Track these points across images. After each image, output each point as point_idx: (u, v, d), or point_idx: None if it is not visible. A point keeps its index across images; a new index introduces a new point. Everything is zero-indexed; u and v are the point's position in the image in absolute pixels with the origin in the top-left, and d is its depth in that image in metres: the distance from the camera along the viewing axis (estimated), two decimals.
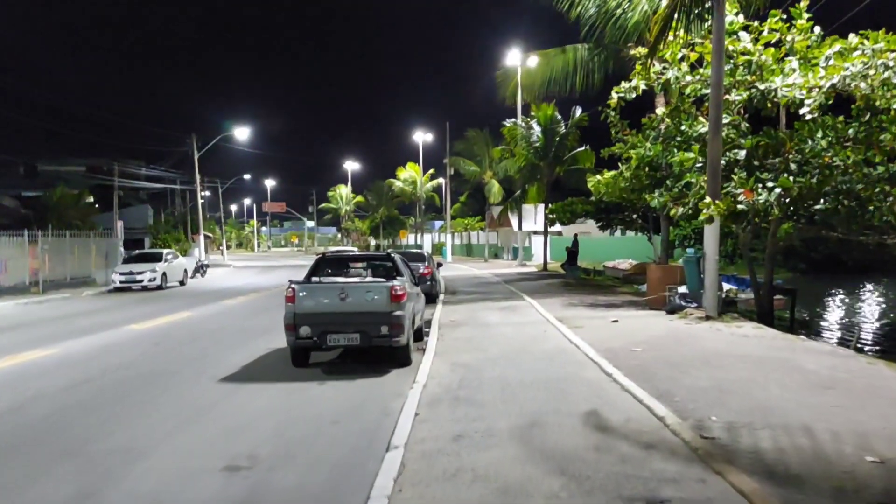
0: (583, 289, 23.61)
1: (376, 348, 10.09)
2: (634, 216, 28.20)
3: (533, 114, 35.39)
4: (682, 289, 15.49)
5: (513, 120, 36.69)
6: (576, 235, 35.09)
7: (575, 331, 12.88)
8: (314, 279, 10.97)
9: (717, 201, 13.37)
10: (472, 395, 8.01)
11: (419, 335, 12.55)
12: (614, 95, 16.37)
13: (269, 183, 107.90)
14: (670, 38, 15.71)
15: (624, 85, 16.18)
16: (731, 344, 11.03)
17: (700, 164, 15.00)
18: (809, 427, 6.19)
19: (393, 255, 12.16)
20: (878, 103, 14.41)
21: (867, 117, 14.47)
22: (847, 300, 24.56)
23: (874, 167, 13.76)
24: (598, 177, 18.65)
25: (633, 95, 16.23)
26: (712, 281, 14.37)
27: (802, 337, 11.77)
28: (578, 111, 34.35)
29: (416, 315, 11.61)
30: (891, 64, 12.74)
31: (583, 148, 35.52)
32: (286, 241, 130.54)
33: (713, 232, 14.32)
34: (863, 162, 13.63)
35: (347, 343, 9.95)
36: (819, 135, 14.22)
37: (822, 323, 19.49)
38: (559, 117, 35.11)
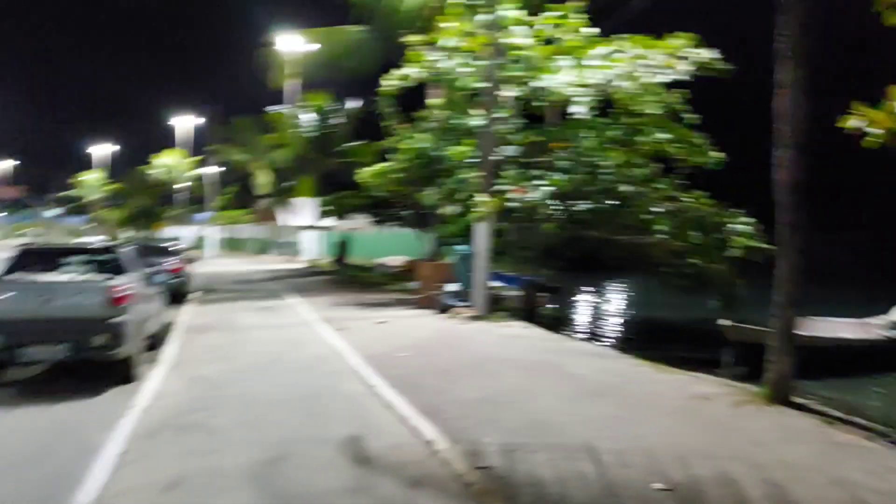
0: (352, 287, 22.53)
1: (95, 361, 8.11)
2: (406, 212, 27.71)
3: (306, 101, 33.66)
4: (453, 287, 14.95)
5: (281, 107, 34.62)
6: (346, 231, 33.99)
7: (340, 334, 11.71)
8: (10, 276, 8.66)
9: (489, 198, 12.93)
10: (206, 420, 6.51)
11: (156, 343, 10.58)
12: (387, 84, 15.42)
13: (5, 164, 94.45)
14: (445, 26, 15.11)
15: (396, 73, 15.29)
16: (502, 346, 10.49)
17: (473, 160, 14.57)
18: (591, 446, 5.52)
19: (119, 248, 10.11)
20: (636, 107, 14.91)
21: (627, 120, 14.93)
22: (604, 297, 26.03)
23: (635, 168, 14.20)
24: (370, 168, 17.62)
25: (407, 84, 15.39)
26: (482, 279, 13.95)
27: (570, 336, 11.63)
28: (355, 103, 33.23)
29: (148, 320, 9.69)
30: (653, 64, 13.05)
31: (362, 142, 34.39)
32: (20, 231, 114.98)
33: (484, 229, 13.89)
34: (625, 163, 13.98)
35: (50, 357, 7.90)
36: (585, 135, 14.39)
37: (583, 320, 20.18)
38: (335, 106, 33.72)
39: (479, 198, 12.85)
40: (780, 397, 6.51)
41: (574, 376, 8.26)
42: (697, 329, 17.48)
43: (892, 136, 6.10)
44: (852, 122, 5.85)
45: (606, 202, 13.68)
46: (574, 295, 24.77)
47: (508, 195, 13.11)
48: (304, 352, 10.21)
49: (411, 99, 18.24)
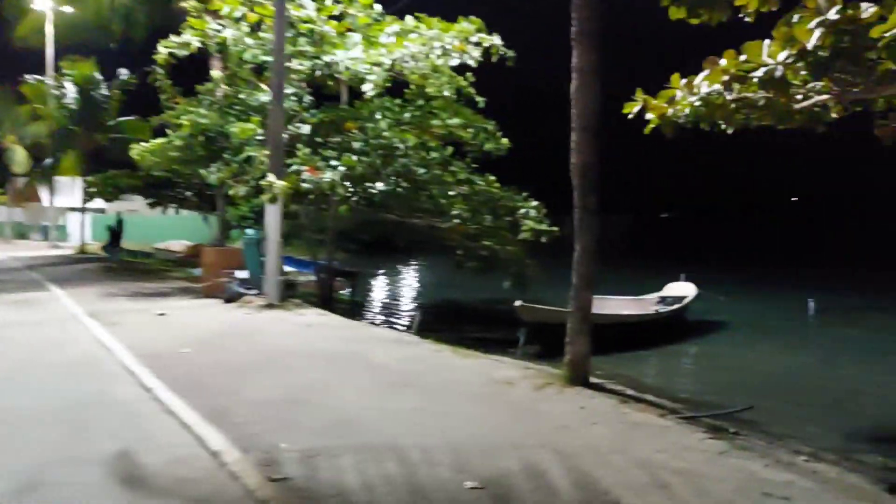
0: (127, 275, 20.44)
1: None
2: (189, 193, 25.77)
3: (66, 70, 30.03)
4: (242, 273, 13.96)
5: (36, 76, 30.61)
6: (119, 213, 31.00)
7: (111, 329, 10.37)
8: None
9: (280, 179, 12.17)
10: None
11: None
12: (162, 51, 13.99)
13: None
14: None
15: (174, 39, 13.91)
16: (298, 336, 9.88)
17: (261, 137, 13.68)
18: (397, 445, 5.17)
19: None
20: (428, 90, 14.85)
21: (420, 102, 14.83)
22: (399, 281, 26.06)
23: (430, 150, 14.14)
24: (145, 144, 15.93)
25: (185, 53, 14.08)
26: (274, 265, 13.17)
27: (367, 323, 11.28)
28: (125, 73, 30.18)
29: None
30: (448, 47, 12.99)
31: (133, 117, 31.35)
32: None
33: (275, 212, 13.08)
34: (420, 146, 13.85)
35: None
36: (379, 116, 14.06)
37: (380, 304, 19.98)
38: (100, 77, 30.42)
39: (270, 178, 12.04)
40: (579, 378, 6.63)
41: (376, 366, 7.90)
42: (493, 310, 17.98)
43: (666, 123, 6.38)
44: (633, 108, 6.02)
45: (402, 185, 13.49)
46: (370, 279, 24.57)
47: (302, 176, 12.43)
48: (67, 353, 8.87)
49: (194, 71, 16.85)
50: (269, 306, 12.64)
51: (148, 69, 14.76)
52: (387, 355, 8.40)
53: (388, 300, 21.11)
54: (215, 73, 15.75)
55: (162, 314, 12.05)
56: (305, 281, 17.96)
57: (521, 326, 12.76)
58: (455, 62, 13.13)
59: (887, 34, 4.72)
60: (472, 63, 13.01)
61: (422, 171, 13.45)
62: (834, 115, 6.32)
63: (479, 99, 15.43)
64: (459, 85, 15.26)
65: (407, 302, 20.77)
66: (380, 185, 13.18)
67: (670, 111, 6.47)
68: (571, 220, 6.93)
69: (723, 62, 6.07)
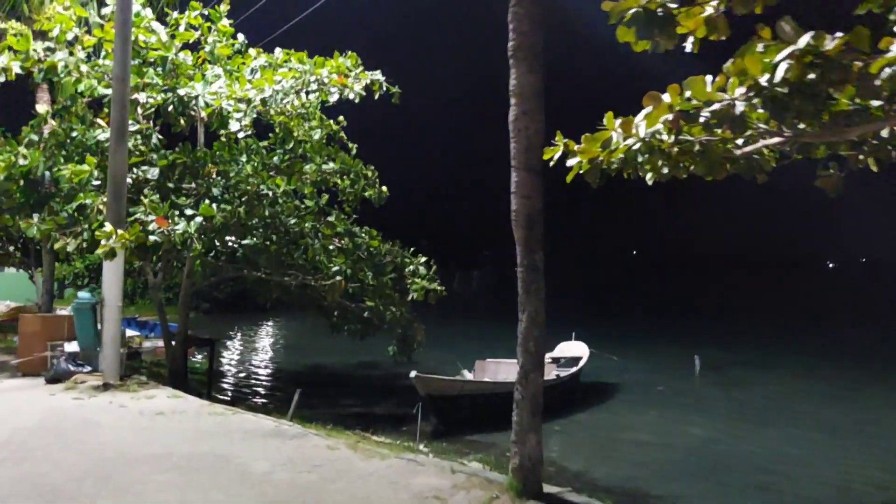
0: None
1: None
2: (11, 247, 22.23)
3: None
4: (72, 346, 11.44)
5: None
6: None
7: None
8: None
9: (121, 230, 10.00)
10: None
11: None
12: None
13: None
14: (57, 9, 11.80)
15: None
16: (144, 431, 7.72)
17: (98, 182, 11.42)
18: None
19: None
20: (297, 133, 13.27)
21: (291, 145, 13.18)
22: (263, 346, 23.52)
23: (303, 199, 12.44)
24: None
25: (1, 79, 11.59)
26: (113, 335, 10.82)
27: (232, 404, 9.21)
28: None
29: None
30: (326, 81, 11.44)
31: None
32: None
33: (115, 269, 10.80)
34: (292, 193, 12.14)
35: None
36: (244, 158, 12.26)
37: (244, 377, 17.50)
38: None
39: (108, 229, 9.85)
40: (532, 489, 5.11)
41: (252, 478, 5.98)
42: (376, 379, 16.30)
43: (593, 170, 5.23)
44: (554, 154, 4.87)
45: (271, 237, 11.67)
46: (228, 344, 22.00)
47: (148, 227, 10.32)
48: None
49: (13, 108, 14.25)
50: (106, 387, 10.25)
51: None
52: (267, 459, 6.48)
53: (252, 371, 18.64)
54: (41, 107, 13.25)
55: None
56: (151, 347, 15.47)
57: (415, 400, 11.19)
58: (335, 97, 11.57)
59: (889, 69, 3.76)
60: (354, 98, 11.50)
61: (293, 221, 11.68)
62: (772, 164, 5.42)
63: (352, 145, 14.00)
64: (331, 129, 13.77)
65: (274, 372, 18.43)
66: (244, 239, 11.26)
67: (600, 157, 5.35)
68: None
69: (666, 97, 5.01)
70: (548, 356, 16.25)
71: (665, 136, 4.94)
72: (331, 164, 13.17)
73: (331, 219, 12.57)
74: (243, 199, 11.21)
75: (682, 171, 5.16)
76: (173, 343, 13.26)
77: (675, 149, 4.96)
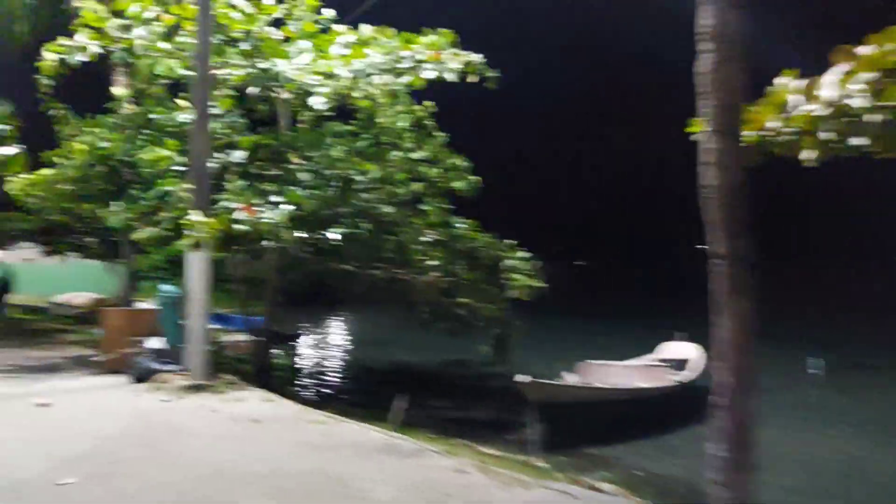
0: (11, 338, 16.64)
1: None
2: (89, 238, 22.10)
3: None
4: (156, 342, 10.79)
5: None
6: (4, 263, 26.63)
7: None
8: None
9: (207, 218, 9.25)
10: None
11: None
12: (50, 57, 10.85)
13: None
14: None
15: (65, 42, 10.81)
16: (241, 444, 6.88)
17: (179, 168, 10.72)
18: None
19: None
20: (379, 119, 12.32)
21: (376, 130, 12.26)
22: (339, 340, 22.77)
23: (397, 186, 11.49)
24: (27, 176, 12.43)
25: (81, 61, 10.97)
26: (200, 331, 10.14)
27: (330, 413, 8.33)
28: None
29: None
30: (421, 58, 10.42)
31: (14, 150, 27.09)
32: None
33: (201, 261, 10.10)
34: (384, 179, 11.22)
35: None
36: (330, 142, 11.38)
37: (330, 376, 16.59)
38: None
39: (194, 217, 9.11)
40: None
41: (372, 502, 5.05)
42: (466, 380, 15.34)
43: (761, 145, 4.09)
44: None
45: (363, 226, 10.77)
46: (308, 339, 21.30)
47: (235, 215, 9.55)
48: None
49: (90, 94, 13.73)
50: (195, 388, 9.55)
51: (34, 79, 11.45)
52: (388, 483, 5.53)
53: (333, 368, 17.66)
54: (118, 90, 12.66)
55: (44, 404, 8.80)
56: (232, 341, 14.83)
57: (515, 404, 10.15)
58: (431, 75, 10.47)
59: None
60: (452, 78, 10.36)
61: (388, 209, 10.74)
62: None
63: (439, 134, 12.96)
64: (417, 115, 12.78)
65: (357, 370, 17.46)
66: (335, 229, 10.37)
67: (771, 124, 4.18)
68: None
69: (863, 50, 3.80)
70: (651, 358, 14.95)
71: (860, 101, 3.77)
72: (420, 153, 12.21)
73: (426, 207, 11.57)
74: (332, 185, 10.34)
75: (881, 145, 3.90)
76: (256, 339, 12.58)
77: (877, 117, 3.75)
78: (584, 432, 10.33)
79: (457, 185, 12.60)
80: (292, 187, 10.25)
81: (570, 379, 12.47)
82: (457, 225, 11.66)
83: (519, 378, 10.34)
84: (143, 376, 10.19)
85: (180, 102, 11.20)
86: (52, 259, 29.01)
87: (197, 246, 9.24)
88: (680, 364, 14.11)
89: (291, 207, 9.75)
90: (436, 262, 11.02)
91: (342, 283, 13.89)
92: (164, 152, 10.24)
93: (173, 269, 24.71)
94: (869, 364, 18.81)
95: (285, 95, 11.03)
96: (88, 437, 7.13)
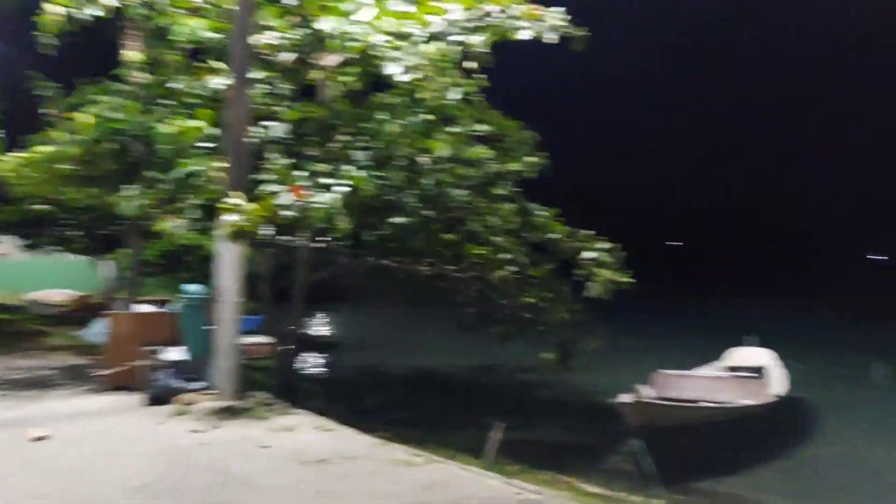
0: None
1: None
2: (72, 231, 20.11)
3: None
4: (175, 353, 8.90)
5: None
6: None
7: None
8: None
9: (247, 203, 7.42)
10: None
11: None
12: (53, 11, 8.91)
13: None
14: None
15: None
16: (321, 502, 5.10)
17: (205, 145, 8.86)
18: None
19: None
20: (423, 94, 10.50)
21: (428, 103, 10.45)
22: (354, 341, 20.72)
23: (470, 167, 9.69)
24: (17, 155, 10.40)
25: (92, 15, 9.04)
26: (232, 339, 8.33)
27: (425, 454, 6.47)
28: None
29: None
30: (515, 13, 8.61)
31: None
32: None
33: (234, 255, 8.27)
34: (455, 158, 9.44)
35: None
36: (384, 116, 9.57)
37: (376, 391, 14.15)
38: None
39: (233, 201, 7.29)
40: None
41: None
42: (526, 389, 13.56)
43: None
44: None
45: (427, 214, 9.00)
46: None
47: (280, 199, 7.71)
48: None
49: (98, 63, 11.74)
50: (228, 412, 7.71)
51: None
52: None
53: (365, 377, 15.00)
54: (130, 53, 10.69)
55: (40, 437, 6.90)
56: (255, 346, 12.90)
57: (631, 430, 8.45)
58: (527, 35, 8.63)
59: None
60: (554, 39, 8.52)
61: (458, 193, 8.96)
62: None
63: (493, 112, 11.16)
64: (467, 89, 10.99)
65: (395, 380, 14.97)
66: (398, 216, 8.59)
67: None
68: None
69: None
70: (720, 366, 13.38)
71: None
72: (482, 127, 10.42)
73: (500, 191, 9.77)
74: (396, 163, 8.57)
75: None
76: (282, 346, 10.78)
77: None
78: (692, 460, 8.66)
79: (514, 166, 10.81)
80: (346, 167, 8.45)
81: (648, 393, 10.79)
82: (536, 213, 9.88)
83: (623, 398, 8.67)
84: (161, 396, 8.31)
85: (214, 64, 9.30)
86: (27, 253, 26.85)
87: (239, 236, 7.39)
88: (755, 372, 12.57)
89: (348, 190, 7.95)
90: (509, 256, 9.30)
91: (374, 280, 12.18)
92: (194, 123, 8.39)
93: (167, 265, 22.81)
94: None
95: (334, 60, 9.19)
96: (106, 488, 5.29)
